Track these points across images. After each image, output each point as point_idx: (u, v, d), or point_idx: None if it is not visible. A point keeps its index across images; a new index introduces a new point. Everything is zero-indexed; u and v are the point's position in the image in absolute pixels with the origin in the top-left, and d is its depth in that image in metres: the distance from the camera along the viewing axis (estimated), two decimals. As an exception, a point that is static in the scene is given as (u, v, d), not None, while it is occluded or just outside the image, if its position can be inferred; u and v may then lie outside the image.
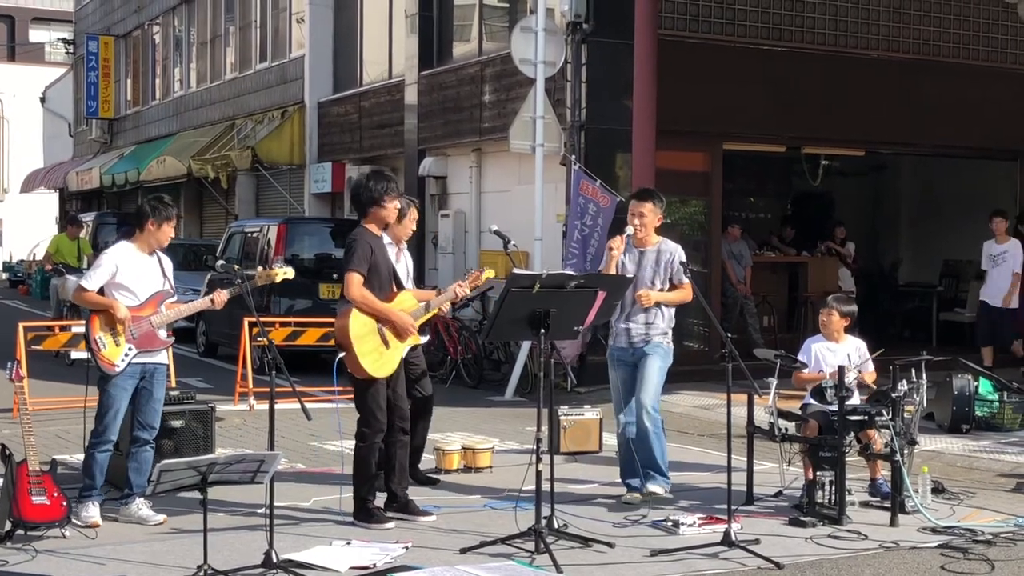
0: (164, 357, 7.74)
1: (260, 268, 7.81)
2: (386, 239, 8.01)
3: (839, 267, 17.77)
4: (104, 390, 7.56)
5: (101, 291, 7.55)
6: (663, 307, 8.25)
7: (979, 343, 14.35)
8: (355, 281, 7.49)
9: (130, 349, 7.49)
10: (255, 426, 11.45)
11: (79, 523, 7.32)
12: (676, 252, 8.30)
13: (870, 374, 8.44)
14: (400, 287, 7.84)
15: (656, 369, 8.22)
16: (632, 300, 8.19)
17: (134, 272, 7.58)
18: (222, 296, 7.71)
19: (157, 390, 7.69)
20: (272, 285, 15.53)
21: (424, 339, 8.11)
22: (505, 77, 16.77)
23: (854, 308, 8.71)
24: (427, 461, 9.20)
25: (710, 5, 15.73)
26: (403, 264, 8.56)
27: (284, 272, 7.87)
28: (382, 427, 7.61)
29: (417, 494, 8.14)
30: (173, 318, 7.70)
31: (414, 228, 8.85)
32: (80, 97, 37.20)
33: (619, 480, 8.49)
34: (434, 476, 9.02)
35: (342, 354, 7.60)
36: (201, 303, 7.99)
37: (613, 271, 8.12)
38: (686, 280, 8.21)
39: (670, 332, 8.36)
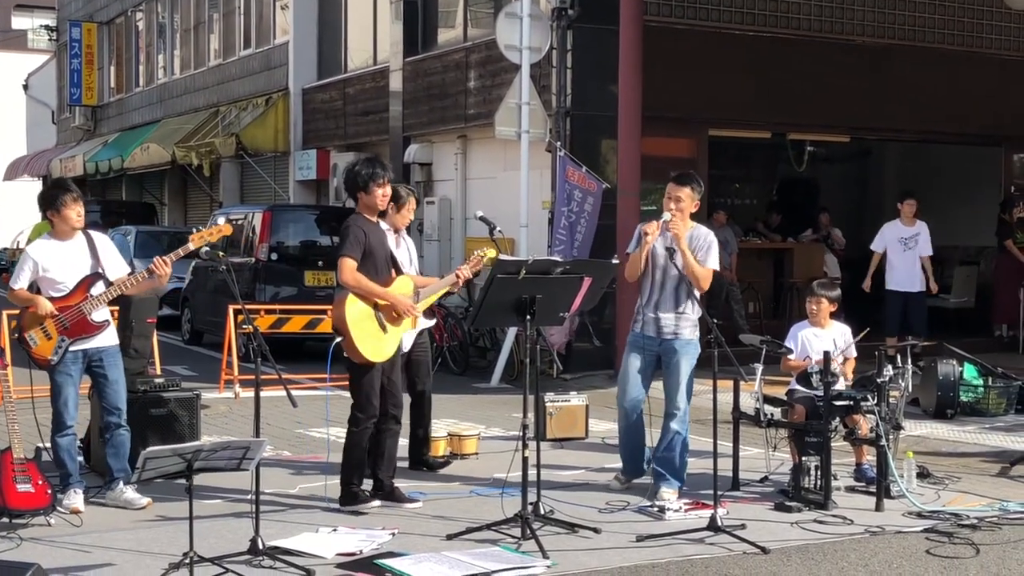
0: (107, 339, 7.63)
1: (194, 231, 7.54)
2: (384, 225, 7.99)
3: (825, 253, 17.78)
4: (51, 379, 7.58)
5: (38, 289, 7.53)
6: (692, 293, 7.90)
7: (887, 332, 13.43)
8: (347, 266, 7.43)
9: (63, 340, 7.47)
10: (240, 413, 11.43)
11: (62, 510, 7.31)
12: (708, 237, 8.08)
13: (851, 361, 8.47)
14: (399, 273, 7.81)
15: (687, 371, 7.95)
16: (661, 286, 7.93)
17: (56, 263, 7.52)
18: (162, 263, 7.32)
19: (111, 372, 7.64)
20: (257, 273, 15.89)
21: (431, 323, 8.05)
22: (490, 63, 16.74)
23: (839, 293, 8.74)
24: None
25: (695, -9, 15.74)
26: (404, 251, 8.53)
27: (220, 229, 7.62)
28: (375, 412, 7.59)
29: (403, 481, 8.14)
30: (108, 298, 7.55)
31: (411, 217, 8.80)
32: (63, 84, 37.04)
33: (605, 466, 8.49)
34: (447, 458, 9.02)
35: (338, 339, 7.57)
36: (135, 279, 7.52)
37: (645, 257, 7.92)
38: (716, 266, 8.05)
39: (698, 322, 8.07)
